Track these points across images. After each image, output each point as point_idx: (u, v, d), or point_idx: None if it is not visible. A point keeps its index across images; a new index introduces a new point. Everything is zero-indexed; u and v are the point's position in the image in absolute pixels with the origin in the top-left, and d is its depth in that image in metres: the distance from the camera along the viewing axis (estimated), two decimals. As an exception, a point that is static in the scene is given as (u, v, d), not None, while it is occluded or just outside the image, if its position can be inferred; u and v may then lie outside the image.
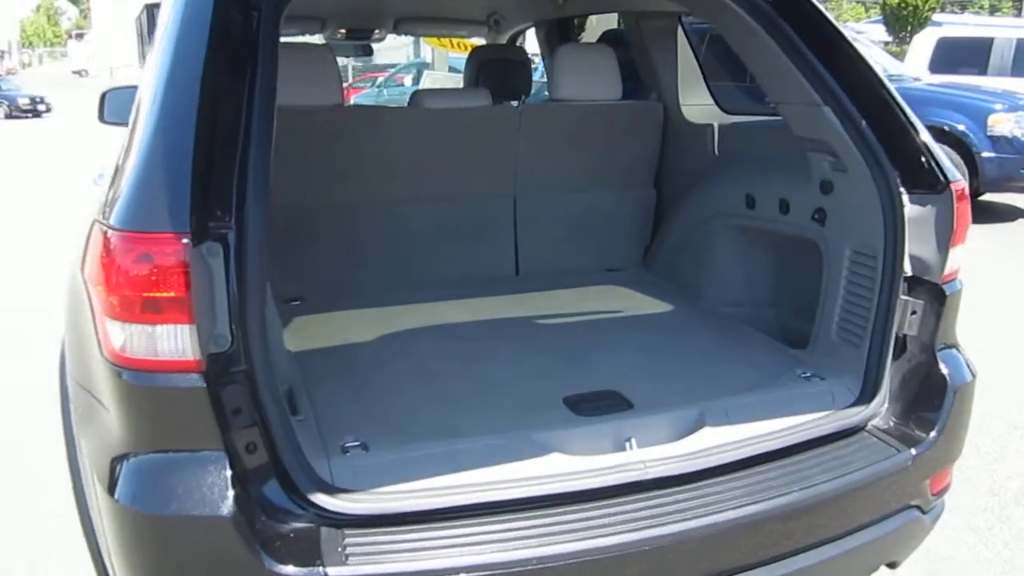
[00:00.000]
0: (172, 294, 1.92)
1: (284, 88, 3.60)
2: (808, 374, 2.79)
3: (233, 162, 2.05)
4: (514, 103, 3.97)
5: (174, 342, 1.94)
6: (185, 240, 1.89)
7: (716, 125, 3.81)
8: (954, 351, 2.73)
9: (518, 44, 5.96)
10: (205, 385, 1.94)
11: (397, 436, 2.37)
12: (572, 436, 2.36)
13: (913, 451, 2.50)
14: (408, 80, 18.88)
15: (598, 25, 5.49)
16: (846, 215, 2.83)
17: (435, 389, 2.72)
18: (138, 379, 1.95)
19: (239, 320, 1.98)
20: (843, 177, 2.82)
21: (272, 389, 2.05)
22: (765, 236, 3.43)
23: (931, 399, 2.65)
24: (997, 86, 11.06)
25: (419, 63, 20.44)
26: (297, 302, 3.63)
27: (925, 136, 2.67)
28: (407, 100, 4.03)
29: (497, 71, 4.89)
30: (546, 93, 4.04)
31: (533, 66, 5.74)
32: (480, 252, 3.99)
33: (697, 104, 4.08)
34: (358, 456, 2.24)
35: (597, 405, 2.58)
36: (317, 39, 5.89)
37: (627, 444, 2.33)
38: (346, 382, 2.77)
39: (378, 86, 19.51)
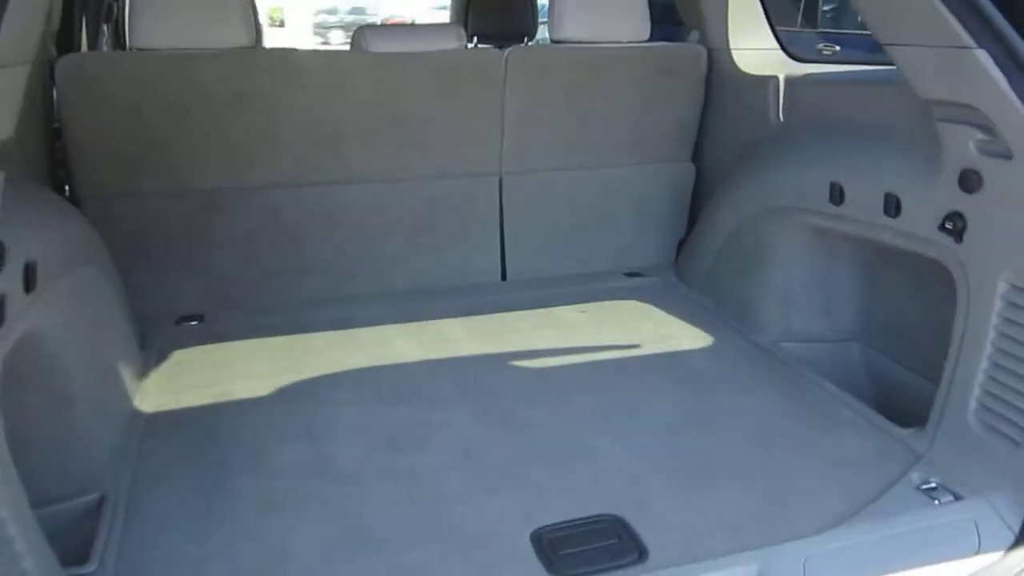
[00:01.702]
0: None
1: (167, 25, 2.59)
2: (932, 483, 1.75)
3: None
4: (499, 47, 2.89)
5: None
6: None
7: (782, 78, 2.70)
8: None
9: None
10: None
11: None
12: None
13: None
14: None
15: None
16: (1004, 227, 1.76)
17: (330, 512, 1.70)
18: None
19: None
20: (1002, 166, 1.74)
21: None
22: (857, 245, 2.35)
23: None
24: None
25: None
26: (194, 322, 2.63)
27: None
28: None
29: (491, 5, 3.78)
30: (546, 35, 2.95)
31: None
32: (453, 251, 2.95)
33: (755, 48, 2.96)
34: None
35: (585, 552, 1.55)
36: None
37: None
38: (198, 489, 1.77)
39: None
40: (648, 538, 1.58)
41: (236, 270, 2.73)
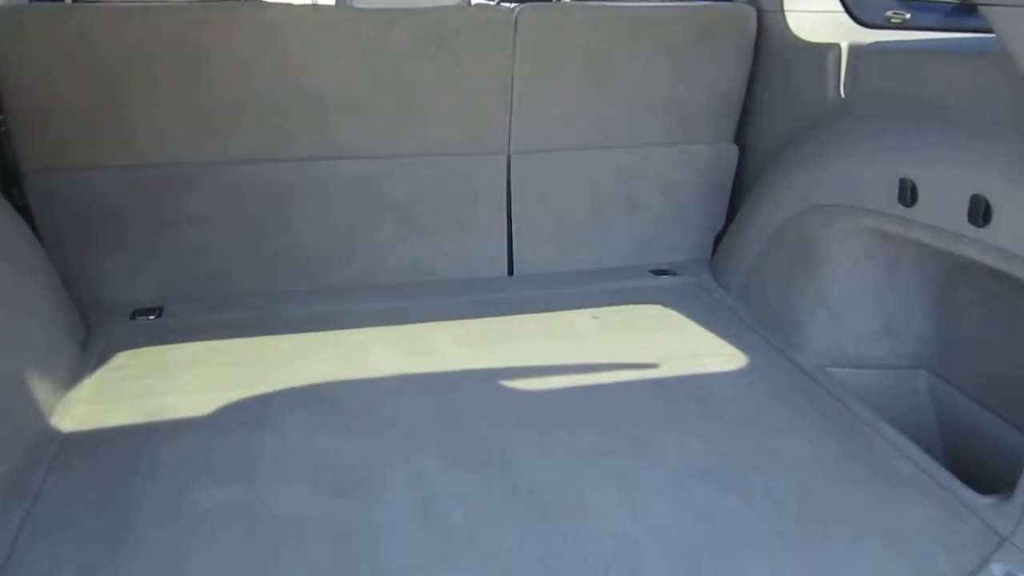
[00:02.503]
0: None
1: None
2: None
3: None
4: (510, 5, 2.49)
5: None
6: None
7: (845, 46, 2.25)
8: None
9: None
10: None
11: None
12: None
13: None
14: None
15: None
16: None
17: None
18: None
19: None
20: None
21: None
22: (929, 254, 1.92)
23: None
24: None
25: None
26: (151, 316, 2.32)
27: None
28: None
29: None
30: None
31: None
32: (452, 240, 2.57)
33: (814, 10, 2.50)
34: None
35: None
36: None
37: None
38: (95, 540, 1.44)
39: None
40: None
41: (200, 257, 2.40)
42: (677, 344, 2.20)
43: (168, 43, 2.19)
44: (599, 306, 2.42)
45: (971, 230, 1.65)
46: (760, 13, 2.53)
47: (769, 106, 2.61)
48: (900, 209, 1.85)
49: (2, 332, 1.71)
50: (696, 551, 1.43)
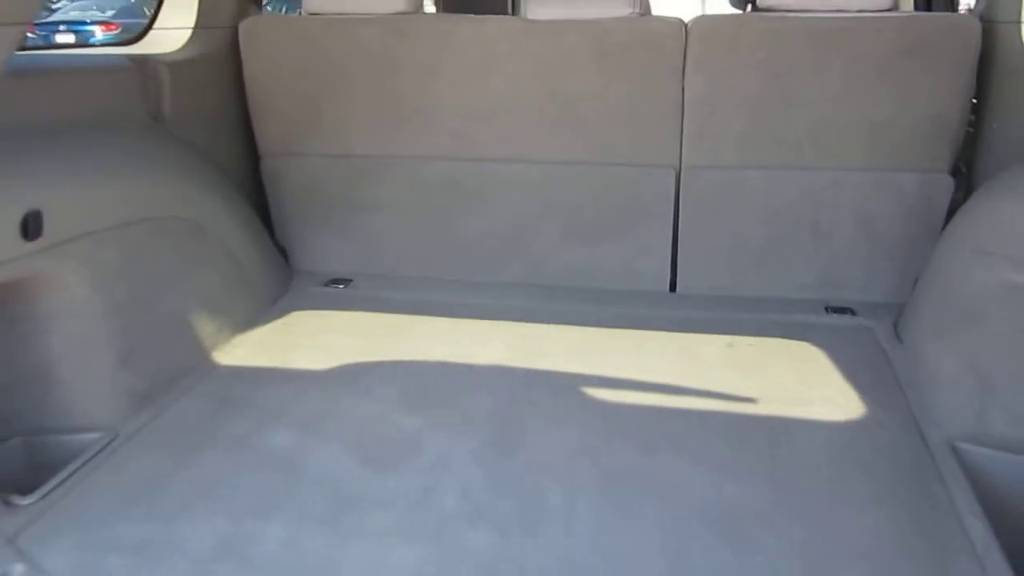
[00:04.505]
0: None
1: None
2: None
3: None
4: (678, 17, 2.39)
5: None
6: None
7: None
8: None
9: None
10: None
11: None
12: None
13: None
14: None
15: None
16: None
17: None
18: None
19: None
20: None
21: None
22: None
23: None
24: None
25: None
26: (341, 286, 2.67)
27: None
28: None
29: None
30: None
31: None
32: (615, 250, 2.57)
33: None
34: None
35: None
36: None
37: None
38: (144, 480, 1.69)
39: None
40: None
41: (385, 240, 2.70)
42: (798, 386, 1.99)
43: (367, 49, 2.51)
44: (747, 335, 2.26)
45: None
46: (989, 25, 2.16)
47: (996, 135, 2.21)
48: None
49: (179, 282, 2.13)
50: None
